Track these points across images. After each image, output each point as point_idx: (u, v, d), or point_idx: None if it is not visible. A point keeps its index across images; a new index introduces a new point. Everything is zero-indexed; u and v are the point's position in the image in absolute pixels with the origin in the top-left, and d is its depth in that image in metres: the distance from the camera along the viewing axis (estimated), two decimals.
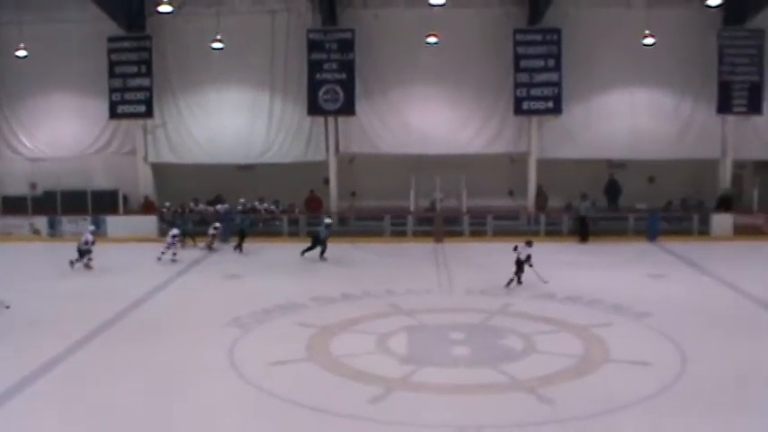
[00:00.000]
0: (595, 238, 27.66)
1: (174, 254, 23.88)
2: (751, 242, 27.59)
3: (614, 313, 17.60)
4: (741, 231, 28.46)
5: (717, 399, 12.29)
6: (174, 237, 23.98)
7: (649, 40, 27.00)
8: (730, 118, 29.46)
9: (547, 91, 28.90)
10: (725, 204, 29.26)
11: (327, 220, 25.28)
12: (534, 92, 28.90)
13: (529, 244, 20.19)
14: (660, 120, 29.49)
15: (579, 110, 29.43)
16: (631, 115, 29.35)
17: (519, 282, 20.04)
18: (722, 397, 12.37)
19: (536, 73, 28.83)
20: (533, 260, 19.95)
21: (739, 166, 30.49)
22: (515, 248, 20.06)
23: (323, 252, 24.25)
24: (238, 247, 25.88)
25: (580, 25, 28.67)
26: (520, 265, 19.93)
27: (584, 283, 20.46)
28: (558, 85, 28.81)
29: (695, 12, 28.47)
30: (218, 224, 26.32)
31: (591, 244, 27.37)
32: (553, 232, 28.67)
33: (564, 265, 22.91)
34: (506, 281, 20.01)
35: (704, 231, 28.62)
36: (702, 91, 29.33)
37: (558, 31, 28.71)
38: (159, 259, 23.64)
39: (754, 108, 29.26)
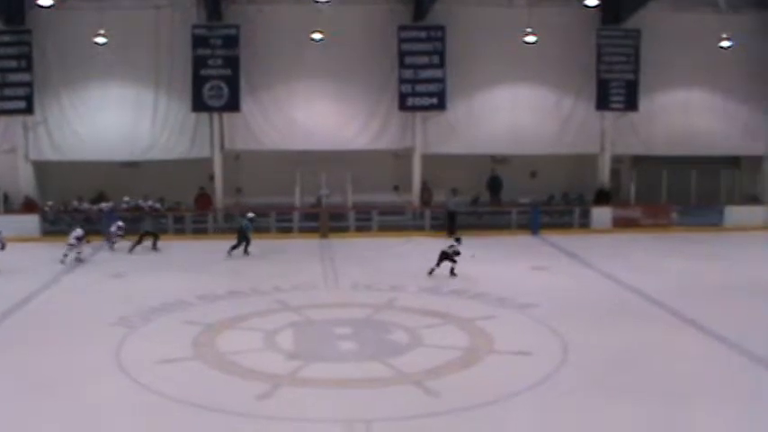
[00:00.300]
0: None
1: (79, 252, 23.31)
2: (628, 234, 28.81)
3: (499, 305, 18.07)
4: (619, 224, 29.73)
5: (597, 384, 12.79)
6: (77, 238, 23.27)
7: (531, 39, 27.77)
8: (608, 114, 30.66)
9: (431, 87, 29.32)
10: (603, 198, 30.32)
11: (250, 215, 25.38)
12: (419, 88, 29.29)
13: (458, 241, 21.48)
14: (542, 116, 30.44)
15: (463, 106, 30.02)
16: (514, 111, 30.15)
17: (453, 274, 21.01)
18: (602, 382, 12.88)
19: (420, 69, 29.23)
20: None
21: (617, 160, 31.80)
22: (455, 242, 21.50)
23: (247, 246, 24.44)
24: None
25: (464, 23, 29.23)
26: (446, 257, 20.93)
27: (470, 277, 20.86)
28: (442, 81, 29.28)
29: (575, 11, 29.50)
30: (121, 222, 25.66)
31: (476, 238, 27.50)
32: (438, 227, 29.06)
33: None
34: (429, 269, 21.13)
35: (585, 224, 29.79)
36: (583, 88, 30.42)
37: (442, 28, 29.18)
38: (62, 262, 22.88)
39: (630, 105, 30.53)
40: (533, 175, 31.29)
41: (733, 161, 33.30)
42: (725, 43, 29.48)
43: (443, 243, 22.46)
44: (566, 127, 30.55)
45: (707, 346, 15.41)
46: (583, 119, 30.60)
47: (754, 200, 32.73)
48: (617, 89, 30.38)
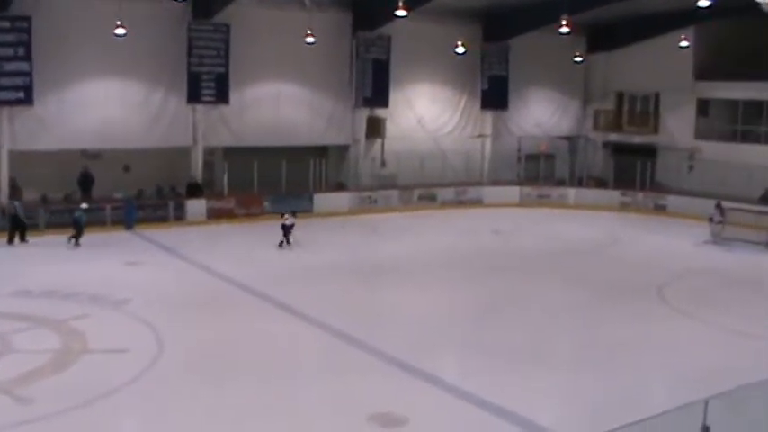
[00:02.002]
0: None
1: None
2: (223, 225, 31.11)
3: (92, 304, 19.53)
4: (214, 215, 32.01)
5: (193, 372, 14.58)
6: None
7: (120, 31, 28.30)
8: (200, 107, 32.86)
9: (18, 81, 29.23)
10: (197, 190, 32.10)
11: (84, 206, 27.25)
12: (3, 81, 29.03)
13: (293, 214, 27.17)
14: (132, 109, 31.71)
15: (53, 100, 30.19)
16: (105, 105, 30.94)
17: (288, 243, 26.58)
18: (197, 369, 14.80)
19: (5, 62, 28.90)
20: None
21: (210, 152, 34.22)
22: (283, 215, 26.97)
23: (79, 237, 26.43)
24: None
25: (53, 13, 29.42)
26: (285, 229, 26.47)
27: (61, 277, 22.03)
28: (29, 74, 29.30)
29: (165, 5, 31.28)
30: None
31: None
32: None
33: (46, 259, 24.31)
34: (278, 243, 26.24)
35: (180, 217, 31.44)
36: (174, 81, 32.27)
37: (27, 19, 29.06)
38: None
39: (221, 98, 33.02)
40: (126, 169, 32.37)
41: (320, 150, 37.11)
42: (309, 39, 32.61)
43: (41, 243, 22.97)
44: (157, 120, 32.11)
45: (297, 326, 18.23)
46: (174, 112, 32.41)
47: (340, 187, 36.63)
48: (208, 82, 32.61)
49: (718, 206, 31.11)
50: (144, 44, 30.74)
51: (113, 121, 30.93)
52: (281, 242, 27.01)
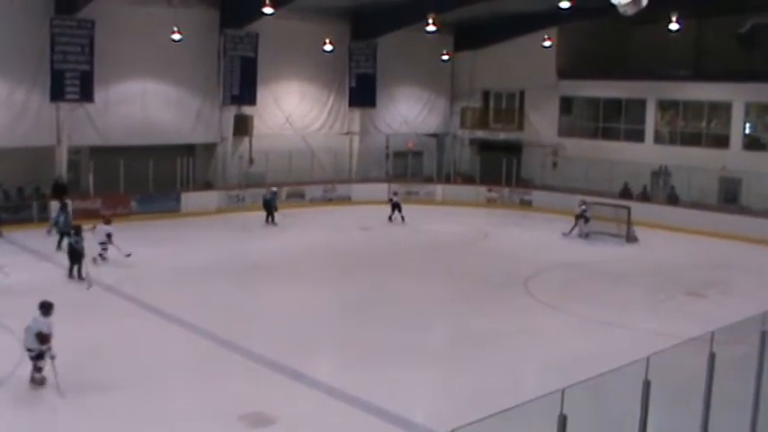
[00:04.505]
0: None
1: None
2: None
3: None
4: (80, 215, 31.03)
5: (60, 378, 14.44)
6: None
7: None
8: (64, 105, 32.31)
9: None
10: (61, 190, 31.57)
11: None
12: None
13: (107, 222, 25.11)
14: None
15: None
16: None
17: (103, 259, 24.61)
18: (65, 379, 14.60)
19: None
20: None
21: (75, 152, 33.68)
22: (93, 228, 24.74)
23: None
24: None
25: None
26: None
27: None
28: None
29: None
30: None
31: None
32: None
33: None
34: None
35: (45, 218, 30.52)
36: (37, 78, 31.62)
37: None
38: None
39: (86, 96, 32.60)
40: None
41: (188, 149, 37.13)
42: (176, 36, 32.55)
43: None
44: (19, 118, 31.38)
45: (166, 328, 18.21)
46: (37, 110, 31.74)
47: (207, 185, 36.62)
48: (72, 80, 32.10)
49: (585, 203, 32.47)
50: (5, 39, 30.10)
51: None
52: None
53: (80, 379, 14.97)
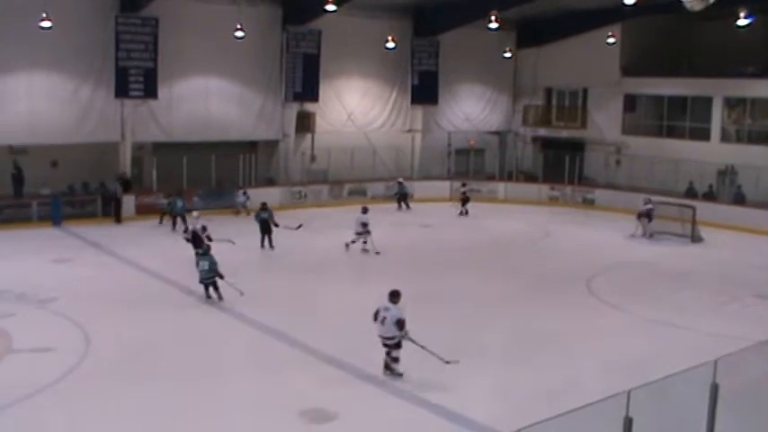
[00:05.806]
0: None
1: None
2: (152, 220, 30.65)
3: (19, 302, 19.32)
4: (144, 210, 31.61)
5: (118, 372, 14.54)
6: None
7: (46, 24, 27.82)
8: (128, 102, 32.55)
9: None
10: (126, 185, 31.78)
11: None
12: None
13: (365, 211, 27.40)
14: (59, 104, 31.07)
15: None
16: (30, 100, 30.26)
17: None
18: (123, 370, 14.67)
19: None
20: None
21: (139, 148, 33.81)
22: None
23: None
24: None
25: None
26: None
27: None
28: None
29: None
30: None
31: None
32: None
33: None
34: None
35: (109, 213, 30.84)
36: (102, 76, 31.85)
37: None
38: None
39: (150, 92, 32.70)
40: (54, 164, 32.00)
41: (250, 146, 37.09)
42: (239, 33, 32.57)
43: None
44: (85, 115, 31.64)
45: (227, 322, 18.36)
46: (102, 107, 31.99)
47: (270, 182, 36.65)
48: (136, 77, 32.28)
49: (650, 201, 31.71)
50: (71, 36, 30.23)
51: (41, 116, 30.24)
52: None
53: (140, 369, 14.97)
